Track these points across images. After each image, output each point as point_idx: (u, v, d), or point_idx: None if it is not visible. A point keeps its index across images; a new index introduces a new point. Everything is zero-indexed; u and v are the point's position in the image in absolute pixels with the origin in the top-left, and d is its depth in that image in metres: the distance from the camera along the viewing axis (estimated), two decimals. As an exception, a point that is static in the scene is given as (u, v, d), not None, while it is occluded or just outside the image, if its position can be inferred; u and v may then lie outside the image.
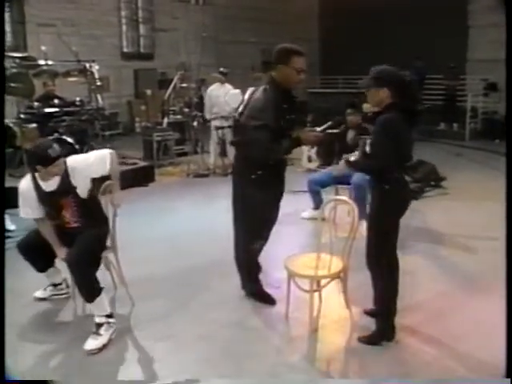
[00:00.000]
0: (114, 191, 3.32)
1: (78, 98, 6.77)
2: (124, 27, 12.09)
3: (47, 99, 6.56)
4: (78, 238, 3.10)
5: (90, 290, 3.01)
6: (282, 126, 3.08)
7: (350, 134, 5.26)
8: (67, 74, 6.80)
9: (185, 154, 8.56)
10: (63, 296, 3.62)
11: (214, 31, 12.92)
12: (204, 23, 13.58)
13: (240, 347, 3.02)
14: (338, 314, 3.30)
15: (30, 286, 3.65)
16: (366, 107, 5.11)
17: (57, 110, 6.42)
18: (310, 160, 7.70)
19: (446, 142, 10.48)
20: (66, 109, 6.51)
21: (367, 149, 2.86)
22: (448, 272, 4.09)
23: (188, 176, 7.52)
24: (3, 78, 5.79)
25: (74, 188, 3.09)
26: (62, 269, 3.45)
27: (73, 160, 3.16)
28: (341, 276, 3.11)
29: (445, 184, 6.76)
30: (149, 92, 12.03)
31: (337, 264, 3.09)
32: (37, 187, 3.09)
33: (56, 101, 6.55)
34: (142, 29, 12.48)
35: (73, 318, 3.42)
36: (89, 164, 3.15)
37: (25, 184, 3.15)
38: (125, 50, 12.13)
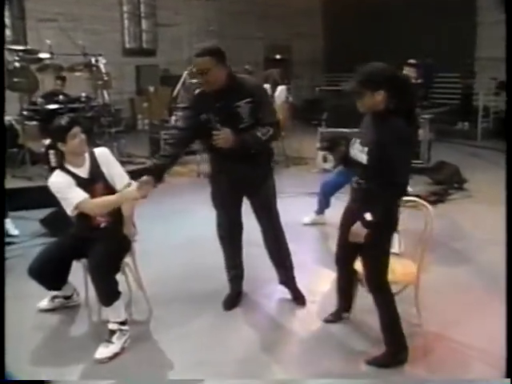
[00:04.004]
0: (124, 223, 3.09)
1: (83, 94, 6.43)
2: (126, 22, 11.75)
3: (52, 96, 6.22)
4: (102, 241, 2.94)
5: (109, 293, 2.88)
6: (196, 124, 3.02)
7: None
8: (72, 68, 6.47)
9: (192, 152, 8.22)
10: (73, 305, 3.41)
11: (217, 26, 12.61)
12: (207, 18, 13.30)
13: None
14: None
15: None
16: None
17: (61, 106, 6.07)
18: (325, 160, 7.40)
19: (458, 142, 10.23)
20: (70, 105, 6.17)
21: (364, 157, 2.53)
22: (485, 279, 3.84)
23: (198, 176, 7.21)
24: (3, 76, 5.49)
25: (103, 174, 3.04)
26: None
27: (100, 150, 3.15)
28: (414, 282, 2.88)
29: (466, 186, 6.49)
30: (151, 89, 11.68)
31: (411, 269, 2.88)
32: (73, 175, 2.99)
33: (60, 97, 6.21)
34: (144, 24, 12.14)
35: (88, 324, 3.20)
36: (113, 164, 3.11)
37: (58, 176, 3.00)
38: (127, 45, 11.80)
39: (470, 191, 6.37)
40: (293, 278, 3.45)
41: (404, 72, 5.97)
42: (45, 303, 3.33)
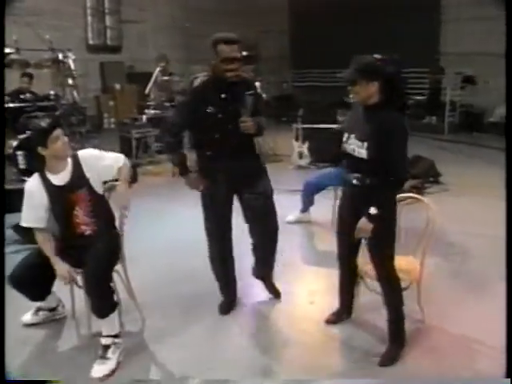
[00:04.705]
0: (118, 190, 2.85)
1: (52, 92, 6.12)
2: (89, 18, 11.36)
3: (18, 94, 5.89)
4: (93, 248, 2.73)
5: (106, 304, 2.68)
6: (209, 115, 2.91)
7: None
8: (39, 64, 6.14)
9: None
10: (59, 317, 3.17)
11: (183, 24, 12.38)
12: (172, 15, 13.04)
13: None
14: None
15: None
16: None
17: (29, 104, 5.75)
18: (301, 156, 7.34)
19: (426, 136, 10.35)
20: (38, 103, 5.85)
21: (364, 152, 2.50)
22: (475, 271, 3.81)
23: (174, 175, 6.99)
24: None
25: (88, 180, 2.80)
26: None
27: (85, 152, 2.92)
28: (414, 282, 2.88)
29: (441, 179, 6.54)
30: (118, 86, 11.41)
31: (414, 265, 2.87)
32: (47, 183, 2.77)
33: (28, 95, 5.88)
34: (108, 20, 11.76)
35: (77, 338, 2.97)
36: (102, 158, 2.88)
37: (32, 182, 2.80)
38: (90, 42, 11.41)
39: (445, 184, 6.42)
40: (271, 275, 3.44)
41: None
42: (28, 317, 3.09)
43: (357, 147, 2.54)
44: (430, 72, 11.56)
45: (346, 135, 2.65)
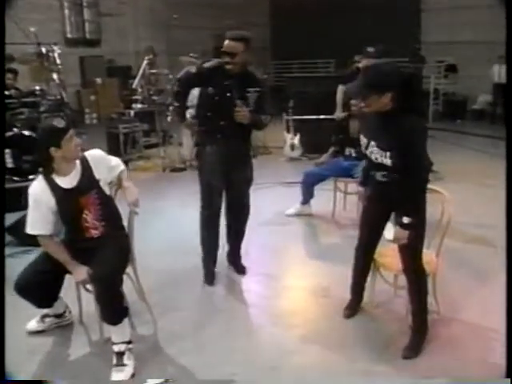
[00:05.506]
0: (127, 185, 2.79)
1: (37, 87, 5.90)
2: (67, 11, 11.06)
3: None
4: (101, 253, 2.62)
5: (118, 310, 2.58)
6: (208, 94, 3.22)
7: (354, 124, 4.60)
8: (24, 59, 5.91)
9: (152, 146, 7.87)
10: (66, 324, 3.02)
11: (163, 16, 12.16)
12: (152, 8, 12.80)
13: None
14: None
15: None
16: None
17: (13, 101, 5.53)
18: (292, 148, 7.27)
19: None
20: (23, 99, 5.64)
21: (388, 161, 2.48)
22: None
23: (164, 171, 6.86)
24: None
25: (98, 181, 2.69)
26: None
27: (93, 153, 2.78)
28: (431, 274, 2.86)
29: (433, 168, 6.53)
30: (98, 80, 11.18)
31: (430, 257, 2.85)
32: (54, 187, 2.60)
33: (13, 91, 5.66)
34: (86, 13, 11.49)
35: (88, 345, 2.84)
36: (109, 159, 2.81)
37: (37, 186, 2.62)
38: (69, 35, 11.13)
39: (439, 173, 6.38)
40: (240, 256, 3.74)
41: (364, 63, 5.60)
42: (34, 324, 2.92)
43: (380, 156, 2.51)
44: (411, 61, 11.61)
45: (364, 140, 2.61)
